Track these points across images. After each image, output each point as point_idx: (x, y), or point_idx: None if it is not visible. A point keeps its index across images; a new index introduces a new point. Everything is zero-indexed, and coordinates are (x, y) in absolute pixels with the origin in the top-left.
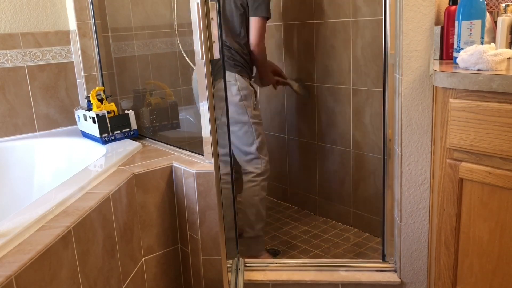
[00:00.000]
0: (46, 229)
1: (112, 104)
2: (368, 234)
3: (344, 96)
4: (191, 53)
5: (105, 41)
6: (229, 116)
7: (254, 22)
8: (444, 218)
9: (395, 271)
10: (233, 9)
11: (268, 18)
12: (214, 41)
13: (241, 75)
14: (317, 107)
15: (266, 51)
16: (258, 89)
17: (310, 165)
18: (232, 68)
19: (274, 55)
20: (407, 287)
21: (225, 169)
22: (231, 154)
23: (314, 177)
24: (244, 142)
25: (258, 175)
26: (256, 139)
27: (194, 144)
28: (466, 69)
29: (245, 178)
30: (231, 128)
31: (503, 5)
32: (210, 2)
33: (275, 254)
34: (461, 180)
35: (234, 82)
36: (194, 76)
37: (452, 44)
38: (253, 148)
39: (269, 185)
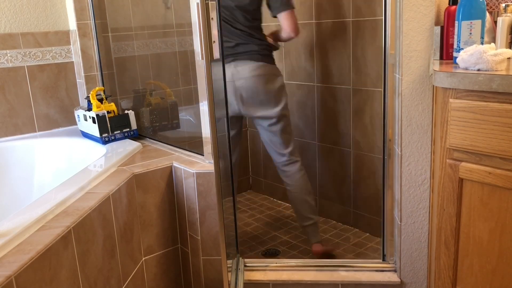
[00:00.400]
0: (46, 229)
1: (112, 104)
2: (368, 234)
3: (344, 96)
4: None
5: (105, 41)
6: (271, 112)
7: (283, 17)
8: (444, 218)
9: (395, 271)
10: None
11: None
12: (214, 41)
13: (273, 64)
14: (317, 107)
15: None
16: None
17: (310, 165)
18: (271, 59)
19: (275, 55)
20: (407, 287)
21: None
22: (231, 154)
23: (314, 177)
24: (287, 133)
25: (300, 160)
26: (290, 127)
27: (194, 144)
28: (466, 69)
29: (293, 167)
30: (269, 125)
31: (503, 5)
32: (210, 2)
33: (275, 254)
34: (461, 180)
35: (279, 73)
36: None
37: (452, 44)
38: (292, 138)
39: (269, 184)
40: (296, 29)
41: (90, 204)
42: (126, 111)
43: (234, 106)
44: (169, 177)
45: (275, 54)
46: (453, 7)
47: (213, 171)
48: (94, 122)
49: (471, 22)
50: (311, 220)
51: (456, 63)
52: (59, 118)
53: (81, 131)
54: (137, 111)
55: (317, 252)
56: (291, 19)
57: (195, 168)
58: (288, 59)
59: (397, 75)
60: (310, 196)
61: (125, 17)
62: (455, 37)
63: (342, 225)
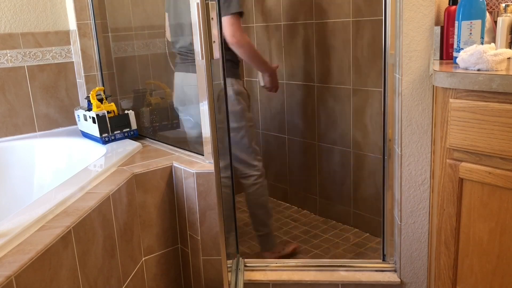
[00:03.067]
0: (46, 229)
1: (112, 104)
2: (368, 234)
3: (344, 96)
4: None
5: (105, 41)
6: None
7: (225, 21)
8: (444, 218)
9: (395, 271)
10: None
11: (240, 13)
12: (214, 41)
13: (235, 78)
14: (317, 107)
15: (251, 44)
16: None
17: (310, 165)
18: (227, 72)
19: (274, 55)
20: (407, 287)
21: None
22: (231, 154)
23: (314, 177)
24: (242, 147)
25: (259, 176)
26: (252, 141)
27: (194, 144)
28: (466, 69)
29: (248, 181)
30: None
31: (503, 5)
32: (210, 2)
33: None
34: (461, 180)
35: (230, 85)
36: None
37: (452, 44)
38: (252, 152)
39: (269, 184)
40: (234, 33)
41: (90, 204)
42: (126, 111)
43: None
44: (169, 177)
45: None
46: (453, 7)
47: (213, 171)
48: (94, 122)
49: (471, 22)
50: (261, 231)
51: (456, 63)
52: (59, 118)
53: (81, 131)
54: (137, 111)
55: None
56: (232, 25)
57: (195, 168)
58: (288, 59)
59: (397, 75)
60: (261, 210)
61: (125, 17)
62: (455, 37)
63: (342, 225)
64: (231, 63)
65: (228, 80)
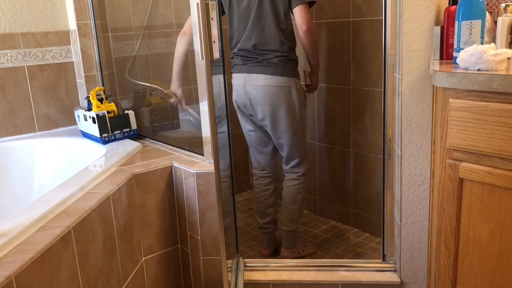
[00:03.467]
0: (46, 229)
1: (112, 104)
2: (368, 234)
3: (344, 96)
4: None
5: (105, 41)
6: (283, 122)
7: (298, 10)
8: (444, 218)
9: (395, 271)
10: (270, 12)
11: (313, 3)
12: (214, 41)
13: (297, 77)
14: (317, 107)
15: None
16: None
17: (310, 165)
18: (291, 72)
19: None
20: (407, 287)
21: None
22: (231, 154)
23: (314, 177)
24: (297, 145)
25: (304, 174)
26: (305, 141)
27: (194, 144)
28: (466, 69)
29: (290, 176)
30: (285, 134)
31: (503, 5)
32: (210, 2)
33: (275, 254)
34: (461, 180)
35: (294, 85)
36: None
37: (452, 44)
38: (303, 151)
39: None
40: (308, 22)
41: (90, 204)
42: (126, 111)
43: None
44: (169, 177)
45: None
46: (453, 7)
47: (213, 171)
48: (94, 122)
49: (471, 22)
50: (287, 227)
51: (456, 63)
52: (59, 118)
53: (81, 131)
54: (137, 111)
55: (284, 257)
56: (306, 13)
57: (195, 168)
58: None
59: (397, 75)
60: (295, 205)
61: (125, 17)
62: (455, 37)
63: (342, 225)
64: (294, 63)
65: (292, 80)
